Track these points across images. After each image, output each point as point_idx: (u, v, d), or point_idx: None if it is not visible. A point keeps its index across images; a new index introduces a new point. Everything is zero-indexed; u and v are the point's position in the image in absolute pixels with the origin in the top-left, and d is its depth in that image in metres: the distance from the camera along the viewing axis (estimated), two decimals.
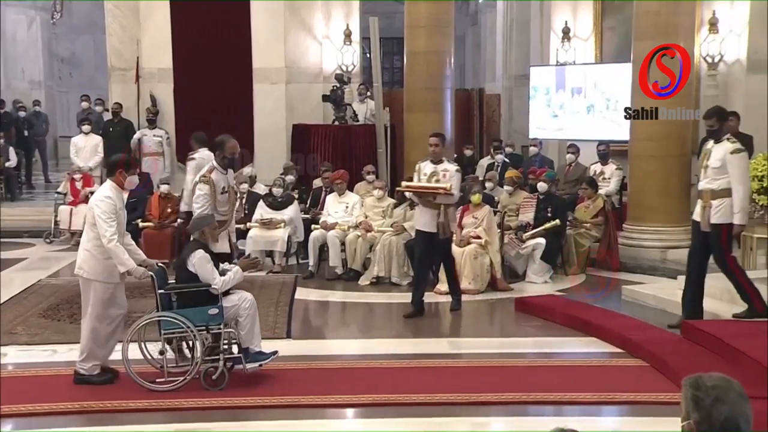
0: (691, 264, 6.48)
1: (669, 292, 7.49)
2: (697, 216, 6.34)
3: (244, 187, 10.06)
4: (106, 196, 5.43)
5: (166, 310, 5.37)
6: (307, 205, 10.38)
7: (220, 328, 5.40)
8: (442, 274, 8.56)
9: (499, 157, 11.67)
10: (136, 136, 12.18)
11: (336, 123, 12.21)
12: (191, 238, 5.67)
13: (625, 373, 5.70)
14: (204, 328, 5.38)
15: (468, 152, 12.90)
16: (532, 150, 11.92)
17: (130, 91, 12.55)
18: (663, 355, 5.69)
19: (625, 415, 5.06)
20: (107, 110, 13.18)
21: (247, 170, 11.11)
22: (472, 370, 5.74)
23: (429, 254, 7.23)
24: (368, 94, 12.64)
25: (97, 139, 12.06)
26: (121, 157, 5.80)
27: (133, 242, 5.65)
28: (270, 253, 9.89)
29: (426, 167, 7.21)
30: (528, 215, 9.18)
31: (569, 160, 10.84)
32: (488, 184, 10.01)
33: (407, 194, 7.23)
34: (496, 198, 9.80)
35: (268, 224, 9.61)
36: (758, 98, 9.86)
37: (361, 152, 12.37)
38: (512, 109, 15.24)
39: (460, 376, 5.62)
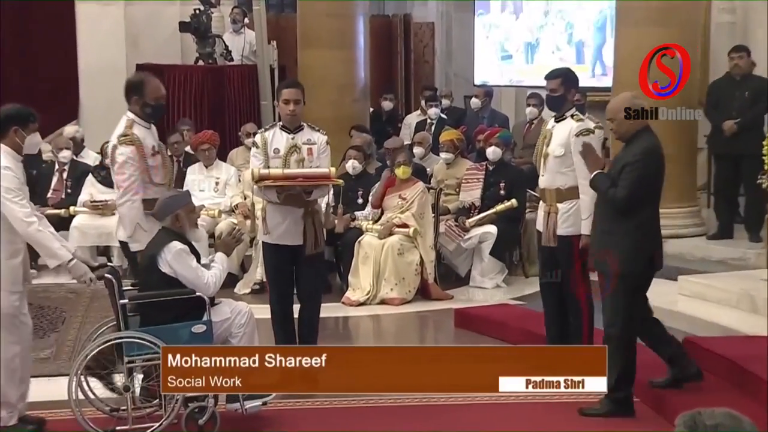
0: (546, 297, 6.38)
1: (667, 298, 7.66)
2: (539, 225, 6.37)
3: (65, 155, 9.81)
4: (4, 166, 5.29)
5: (128, 328, 5.37)
6: None
7: None
8: (355, 278, 8.55)
9: (433, 112, 11.71)
10: None
11: (200, 63, 12.01)
12: (161, 227, 5.59)
13: None
14: None
15: (388, 105, 12.88)
16: (477, 102, 12.02)
17: None
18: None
19: None
20: None
21: (68, 130, 10.79)
22: (397, 410, 5.73)
23: (291, 280, 6.49)
24: (246, 21, 12.48)
25: None
26: (13, 108, 5.48)
27: (51, 226, 5.52)
28: (105, 251, 9.69)
29: (277, 139, 6.35)
30: (473, 193, 9.23)
31: (530, 115, 10.95)
32: (417, 150, 10.00)
33: (257, 188, 6.27)
34: (428, 170, 9.80)
35: (101, 209, 9.43)
36: None
37: (238, 105, 12.21)
38: (451, 44, 15.31)
39: (380, 417, 5.62)
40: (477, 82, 12.71)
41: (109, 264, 5.79)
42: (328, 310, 7.83)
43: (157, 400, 5.38)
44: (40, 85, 12.24)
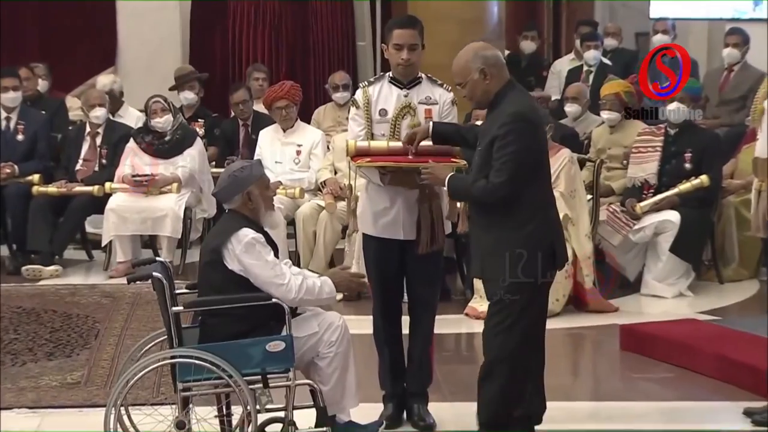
0: None
1: None
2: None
3: (99, 114, 9.98)
4: None
5: (183, 345, 5.47)
6: (222, 150, 10.36)
7: (288, 378, 5.47)
8: (479, 283, 8.55)
9: (592, 56, 11.61)
10: None
11: None
12: (226, 210, 5.73)
13: None
14: (258, 376, 5.46)
15: (529, 45, 12.82)
16: (658, 40, 11.86)
17: None
18: None
19: None
20: None
21: (103, 81, 11.00)
22: None
23: (400, 285, 6.54)
24: None
25: None
26: None
27: None
28: (151, 242, 9.85)
29: (384, 96, 6.40)
30: (647, 167, 9.13)
31: (729, 58, 10.80)
32: (571, 109, 9.95)
33: (360, 169, 6.34)
34: (584, 134, 9.82)
35: (146, 186, 9.61)
36: None
37: (326, 48, 12.32)
38: None
39: None
40: (654, 14, 12.52)
41: (157, 259, 5.82)
42: (447, 324, 7.88)
43: None
44: (65, 22, 12.50)
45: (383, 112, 6.32)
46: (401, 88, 6.32)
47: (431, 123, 5.96)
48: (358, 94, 6.42)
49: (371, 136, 6.28)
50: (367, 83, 6.50)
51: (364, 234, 6.48)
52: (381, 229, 6.33)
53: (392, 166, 6.15)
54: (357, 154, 6.18)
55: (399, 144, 6.19)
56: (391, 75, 6.38)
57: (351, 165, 6.35)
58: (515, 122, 5.39)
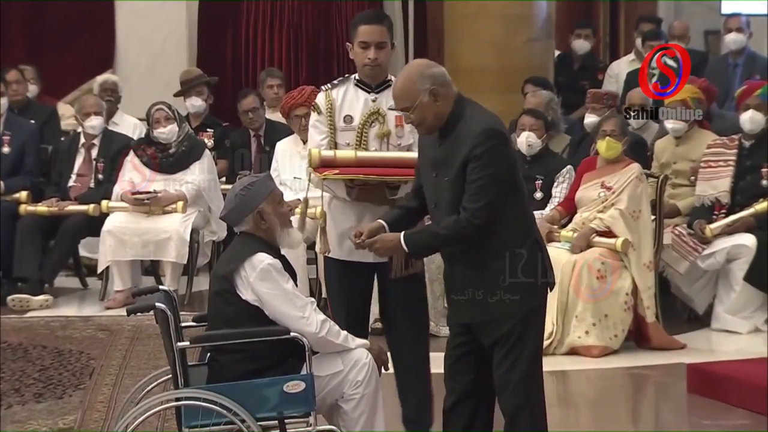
0: None
1: None
2: None
3: (95, 123, 10.01)
4: None
5: (189, 385, 5.49)
6: (233, 163, 10.42)
7: (308, 423, 5.50)
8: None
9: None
10: None
11: None
12: (237, 233, 5.76)
13: None
14: (274, 421, 5.48)
15: (582, 45, 12.80)
16: (732, 40, 11.85)
17: None
18: None
19: None
20: None
21: (101, 79, 11.04)
22: None
23: (365, 315, 6.70)
24: None
25: None
26: None
27: None
28: (153, 268, 9.87)
29: (350, 101, 6.45)
30: (718, 183, 9.10)
31: None
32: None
33: (316, 178, 6.36)
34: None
35: (148, 204, 9.65)
36: None
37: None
38: None
39: None
40: (726, 10, 12.51)
41: (160, 288, 5.82)
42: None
43: None
44: (57, 18, 12.56)
45: (348, 119, 6.38)
46: (369, 92, 6.37)
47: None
48: (320, 98, 6.46)
49: (335, 146, 6.32)
50: (330, 86, 6.51)
51: (326, 257, 6.50)
52: (348, 252, 6.33)
53: (362, 178, 6.18)
54: (321, 165, 6.21)
55: (368, 154, 6.25)
56: (357, 77, 6.40)
57: (312, 178, 6.35)
58: (489, 140, 5.33)
